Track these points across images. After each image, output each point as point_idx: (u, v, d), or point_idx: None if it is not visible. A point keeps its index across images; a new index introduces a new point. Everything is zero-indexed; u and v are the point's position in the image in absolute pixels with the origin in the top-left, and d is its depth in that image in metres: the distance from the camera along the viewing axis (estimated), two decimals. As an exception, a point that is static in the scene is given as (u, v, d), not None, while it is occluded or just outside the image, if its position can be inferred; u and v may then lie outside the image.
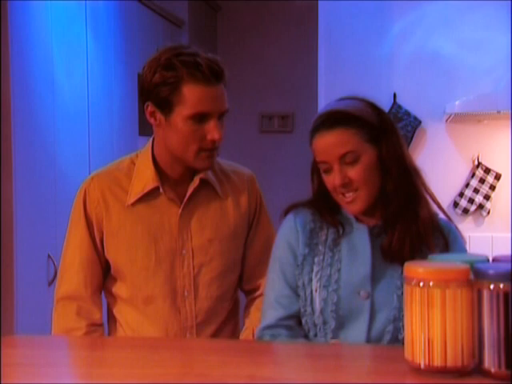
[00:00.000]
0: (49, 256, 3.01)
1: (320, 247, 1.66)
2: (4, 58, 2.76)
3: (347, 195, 1.60)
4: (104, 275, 1.91)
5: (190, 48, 1.76)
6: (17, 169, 2.82)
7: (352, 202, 1.61)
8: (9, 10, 2.77)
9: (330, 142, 1.59)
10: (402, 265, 1.58)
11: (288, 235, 1.70)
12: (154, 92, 1.73)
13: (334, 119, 1.60)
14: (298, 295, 1.66)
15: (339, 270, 1.62)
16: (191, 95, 1.70)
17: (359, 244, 1.64)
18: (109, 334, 1.94)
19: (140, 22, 4.08)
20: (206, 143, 1.74)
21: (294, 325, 1.66)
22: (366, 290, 1.61)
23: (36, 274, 2.96)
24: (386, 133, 1.63)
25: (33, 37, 2.98)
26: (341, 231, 1.65)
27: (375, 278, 1.61)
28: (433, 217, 1.67)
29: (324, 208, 1.68)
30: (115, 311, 1.92)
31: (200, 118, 1.72)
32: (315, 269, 1.64)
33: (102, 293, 1.94)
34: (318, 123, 1.62)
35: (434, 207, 1.71)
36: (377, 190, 1.63)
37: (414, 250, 1.61)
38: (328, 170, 1.61)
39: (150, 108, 1.77)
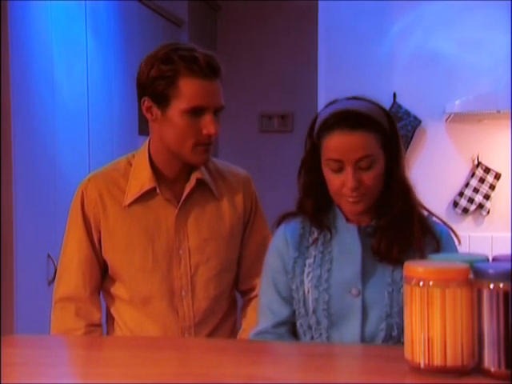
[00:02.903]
0: (49, 256, 3.01)
1: (310, 250, 1.67)
2: (4, 57, 2.76)
3: (353, 197, 1.60)
4: (102, 276, 1.91)
5: (187, 44, 1.79)
6: (17, 169, 2.82)
7: (356, 203, 1.61)
8: (9, 10, 2.77)
9: (351, 143, 1.56)
10: (391, 265, 1.60)
11: (278, 243, 1.72)
12: (151, 86, 1.75)
13: (356, 120, 1.57)
14: (288, 302, 1.67)
15: (329, 270, 1.63)
16: (188, 89, 1.72)
17: (349, 243, 1.65)
18: (107, 334, 1.94)
19: (140, 21, 4.08)
20: (202, 137, 1.75)
21: (284, 333, 1.68)
22: (356, 288, 1.61)
23: (36, 273, 2.96)
24: (395, 139, 1.64)
25: (33, 37, 2.98)
26: (328, 236, 1.66)
27: (366, 275, 1.62)
28: (424, 220, 1.67)
29: (312, 212, 1.68)
30: (113, 311, 1.92)
31: (196, 112, 1.73)
32: (306, 270, 1.65)
33: (101, 293, 1.95)
34: (334, 121, 1.59)
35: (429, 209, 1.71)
36: (379, 194, 1.64)
37: (403, 251, 1.61)
38: (338, 170, 1.59)
39: (146, 103, 1.78)
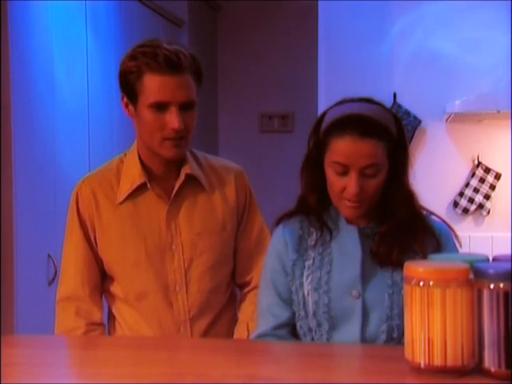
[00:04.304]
0: (49, 256, 3.01)
1: (309, 252, 1.66)
2: (4, 57, 2.76)
3: (352, 201, 1.59)
4: (102, 274, 1.93)
5: (157, 40, 1.81)
6: (17, 169, 2.82)
7: (354, 208, 1.60)
8: (9, 10, 2.77)
9: (360, 150, 1.54)
10: (391, 267, 1.60)
11: (277, 245, 1.71)
12: (123, 83, 1.81)
13: (368, 127, 1.55)
14: (288, 303, 1.67)
15: (329, 272, 1.63)
16: (150, 84, 1.75)
17: (349, 245, 1.64)
18: (109, 333, 1.95)
19: (140, 21, 4.08)
20: (168, 132, 1.77)
21: (286, 334, 1.67)
22: (356, 290, 1.61)
23: (36, 273, 2.96)
24: (402, 147, 1.64)
25: (33, 37, 2.98)
26: (328, 237, 1.66)
27: (366, 277, 1.62)
28: (424, 221, 1.66)
29: (312, 211, 1.68)
30: (114, 310, 1.94)
31: (160, 107, 1.76)
32: (306, 273, 1.64)
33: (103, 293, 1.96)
34: (346, 124, 1.56)
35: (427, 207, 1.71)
36: (381, 199, 1.63)
37: (403, 254, 1.61)
38: (342, 174, 1.57)
39: (124, 99, 1.84)
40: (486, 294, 1.19)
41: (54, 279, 2.99)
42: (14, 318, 2.80)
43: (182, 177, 1.86)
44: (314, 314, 1.62)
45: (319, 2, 4.06)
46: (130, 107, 1.82)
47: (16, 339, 1.89)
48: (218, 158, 2.02)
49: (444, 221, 1.70)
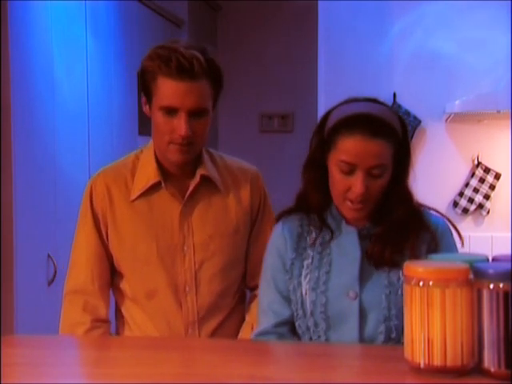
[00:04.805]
0: (49, 256, 3.01)
1: (308, 251, 1.66)
2: (4, 57, 2.76)
3: (356, 203, 1.59)
4: (112, 270, 1.92)
5: (175, 43, 1.77)
6: (16, 169, 2.82)
7: (358, 210, 1.60)
8: (9, 10, 2.78)
9: (369, 150, 1.54)
10: (387, 267, 1.60)
11: (276, 242, 1.71)
12: (140, 81, 1.81)
13: (378, 127, 1.55)
14: (289, 301, 1.67)
15: (328, 272, 1.63)
16: (162, 87, 1.75)
17: (348, 246, 1.64)
18: (116, 331, 1.95)
19: (140, 21, 4.08)
20: (175, 137, 1.77)
21: (286, 332, 1.67)
22: (354, 291, 1.60)
23: (36, 273, 2.96)
24: (406, 148, 1.63)
25: (33, 37, 2.98)
26: (328, 236, 1.65)
27: (363, 278, 1.61)
28: (420, 216, 1.66)
29: (313, 210, 1.68)
30: (123, 309, 1.93)
31: (169, 111, 1.75)
32: (304, 272, 1.64)
33: (111, 290, 1.95)
34: (356, 123, 1.55)
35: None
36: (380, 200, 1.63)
37: (397, 253, 1.60)
38: (348, 173, 1.57)
39: (143, 99, 1.83)
40: (485, 294, 1.19)
41: (53, 279, 2.99)
42: (14, 318, 2.80)
43: (197, 178, 1.85)
44: (312, 313, 1.62)
45: (319, 2, 4.05)
46: (147, 107, 1.83)
47: (16, 339, 1.89)
48: (234, 158, 2.00)
49: (443, 215, 1.70)
